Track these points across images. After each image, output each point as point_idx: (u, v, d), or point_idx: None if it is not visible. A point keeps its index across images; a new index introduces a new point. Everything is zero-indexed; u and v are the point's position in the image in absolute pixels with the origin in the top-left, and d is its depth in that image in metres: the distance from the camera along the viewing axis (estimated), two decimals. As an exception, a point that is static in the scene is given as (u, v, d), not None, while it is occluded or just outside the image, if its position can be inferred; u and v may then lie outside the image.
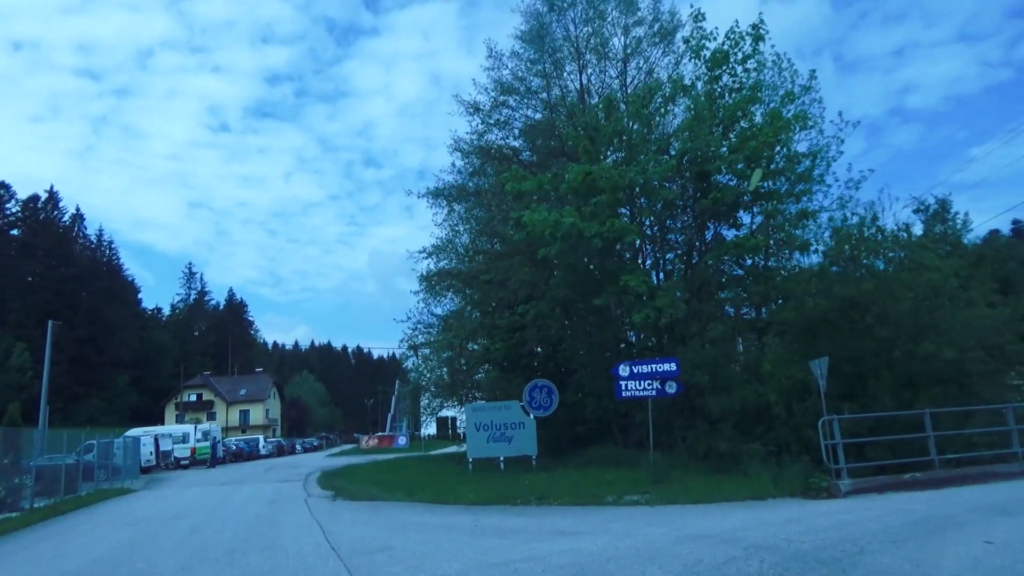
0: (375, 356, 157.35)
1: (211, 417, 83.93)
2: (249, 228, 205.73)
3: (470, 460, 20.59)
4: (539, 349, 23.23)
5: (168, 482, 29.74)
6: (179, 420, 69.43)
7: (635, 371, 16.11)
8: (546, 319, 20.22)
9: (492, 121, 29.19)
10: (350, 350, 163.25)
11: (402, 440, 54.44)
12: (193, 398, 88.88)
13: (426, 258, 35.01)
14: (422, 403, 38.05)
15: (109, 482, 26.07)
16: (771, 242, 19.08)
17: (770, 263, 19.53)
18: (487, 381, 24.65)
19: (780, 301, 19.12)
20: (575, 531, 10.08)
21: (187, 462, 41.96)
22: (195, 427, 44.10)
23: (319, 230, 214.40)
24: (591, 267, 19.33)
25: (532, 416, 20.19)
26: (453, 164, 31.48)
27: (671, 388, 16.05)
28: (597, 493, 13.90)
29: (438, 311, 35.26)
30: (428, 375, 35.14)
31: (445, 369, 34.63)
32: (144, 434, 39.49)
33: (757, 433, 15.78)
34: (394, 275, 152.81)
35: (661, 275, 20.27)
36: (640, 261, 20.56)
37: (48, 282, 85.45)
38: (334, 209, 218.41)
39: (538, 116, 28.39)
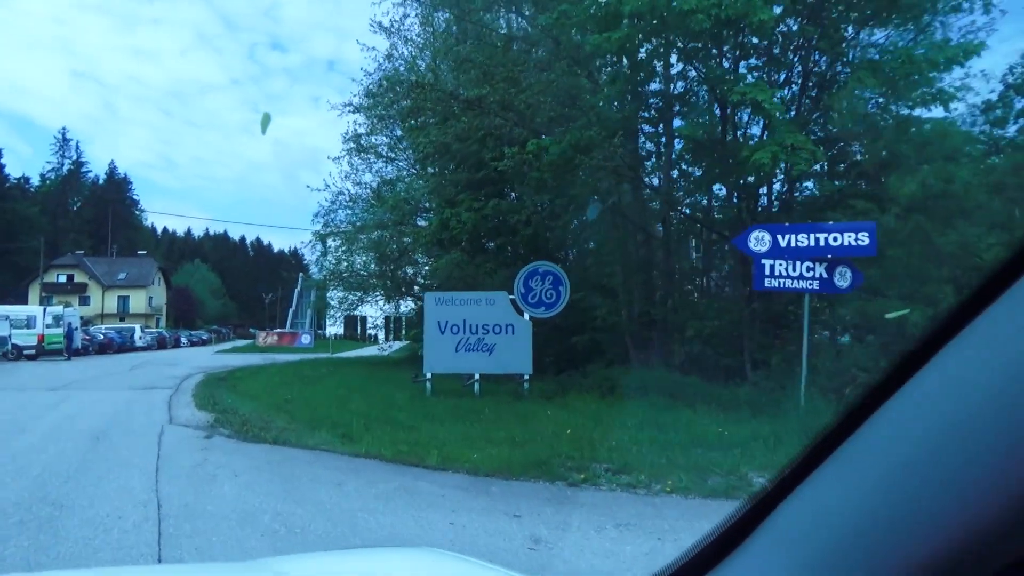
0: (275, 250, 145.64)
1: (84, 302, 72.62)
2: (142, 106, 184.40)
3: (427, 376, 13.41)
4: (525, 222, 15.92)
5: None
6: (46, 303, 58.38)
7: (784, 243, 9.22)
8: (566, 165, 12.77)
9: None
10: (248, 241, 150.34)
11: (306, 339, 46.58)
12: (63, 279, 76.97)
13: (354, 112, 26.75)
14: (334, 298, 30.21)
15: None
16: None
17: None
18: (444, 267, 17.22)
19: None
20: None
21: (32, 352, 32.79)
22: (43, 309, 34.63)
23: (219, 115, 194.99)
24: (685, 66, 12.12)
25: (527, 316, 13.14)
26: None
27: (843, 279, 9.25)
28: (731, 464, 7.08)
29: (366, 179, 27.25)
30: (345, 263, 27.34)
31: (372, 255, 26.92)
32: (-31, 315, 30.03)
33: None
34: (299, 168, 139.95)
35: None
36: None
37: None
38: (237, 94, 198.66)
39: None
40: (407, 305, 31.68)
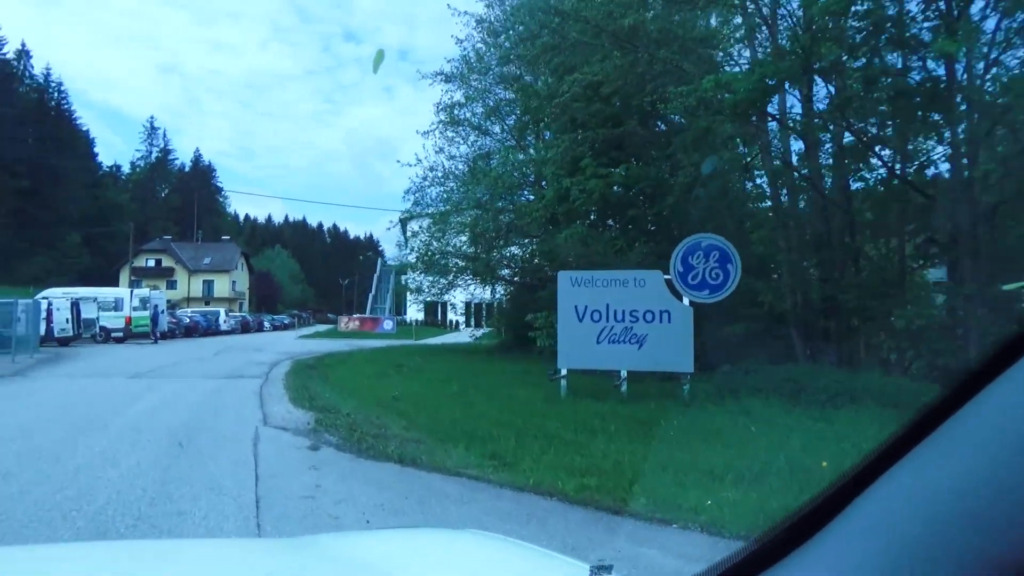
0: (351, 236, 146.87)
1: (171, 286, 73.59)
2: (221, 98, 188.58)
3: (561, 373, 11.06)
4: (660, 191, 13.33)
5: (66, 361, 20.05)
6: (135, 287, 58.95)
7: None
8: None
9: None
10: (326, 228, 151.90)
11: (388, 324, 45.09)
12: (152, 263, 78.35)
13: (445, 81, 24.65)
14: (422, 282, 28.19)
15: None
16: None
17: None
18: (564, 244, 14.79)
19: None
20: None
21: (120, 335, 32.11)
22: (131, 292, 33.96)
23: (294, 105, 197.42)
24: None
25: (687, 301, 10.64)
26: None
27: None
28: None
29: (462, 151, 25.11)
30: (436, 245, 25.29)
31: (466, 236, 24.80)
32: (58, 297, 29.39)
33: None
34: (370, 156, 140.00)
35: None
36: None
37: (-18, 122, 72.71)
38: (310, 85, 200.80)
39: None
40: (498, 291, 29.55)
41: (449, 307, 54.72)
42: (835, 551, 0.81)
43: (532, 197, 22.73)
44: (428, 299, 40.31)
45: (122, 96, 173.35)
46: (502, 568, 1.64)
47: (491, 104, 23.42)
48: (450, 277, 25.60)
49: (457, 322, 55.21)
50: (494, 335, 45.09)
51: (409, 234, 26.09)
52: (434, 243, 24.45)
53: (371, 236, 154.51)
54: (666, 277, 10.74)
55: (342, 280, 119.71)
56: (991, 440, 0.69)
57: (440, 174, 24.46)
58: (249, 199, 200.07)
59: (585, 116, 14.86)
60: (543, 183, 18.20)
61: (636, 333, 10.66)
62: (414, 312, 57.11)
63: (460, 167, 23.97)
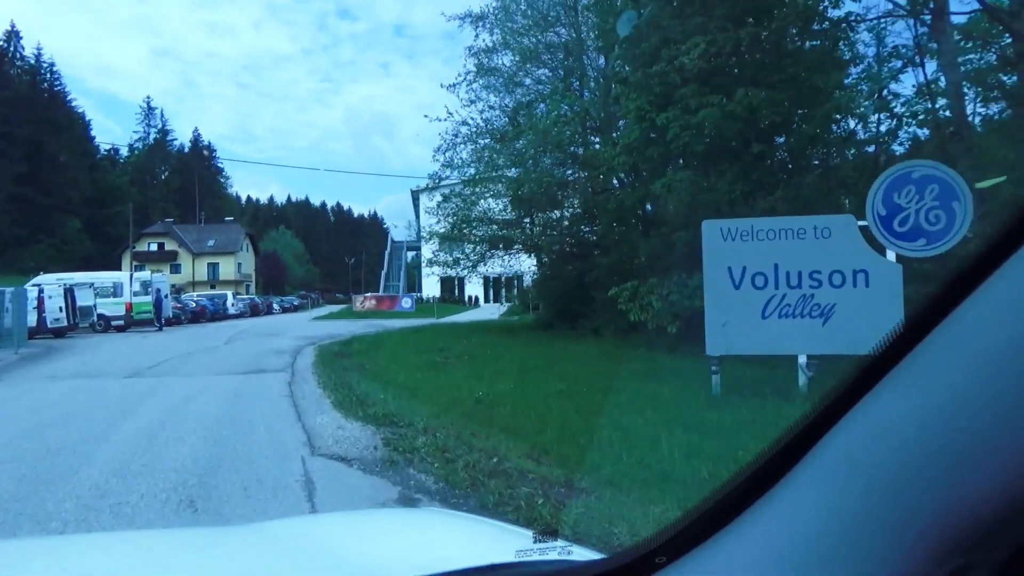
0: (356, 214, 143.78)
1: (175, 270, 70.53)
2: (219, 81, 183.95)
3: (714, 363, 7.91)
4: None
5: (56, 356, 17.00)
6: (137, 271, 55.79)
7: None
8: None
9: None
10: (329, 207, 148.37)
11: (407, 303, 41.94)
12: (154, 247, 75.23)
13: (475, 23, 21.36)
14: (445, 254, 24.93)
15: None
16: None
17: None
18: (676, 191, 11.52)
19: None
20: None
21: (121, 323, 29.07)
22: (130, 275, 30.83)
23: (292, 85, 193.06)
24: None
25: (892, 255, 7.53)
26: None
27: None
28: None
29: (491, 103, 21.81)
30: (468, 212, 22.14)
31: (502, 199, 21.62)
32: (51, 283, 26.30)
33: None
34: (370, 134, 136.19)
35: None
36: None
37: (-27, 105, 69.39)
38: (308, 64, 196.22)
39: None
40: (532, 262, 26.45)
41: (467, 283, 51.90)
42: (793, 504, 0.74)
43: (581, 150, 19.57)
44: (445, 275, 37.28)
45: (119, 82, 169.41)
46: (449, 540, 1.61)
47: (531, 46, 20.07)
48: (484, 247, 22.47)
49: (476, 297, 52.20)
50: (518, 310, 42.17)
51: (438, 199, 22.84)
52: (469, 209, 21.32)
53: (375, 213, 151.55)
54: (861, 223, 7.60)
55: (348, 259, 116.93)
56: (954, 373, 0.61)
57: (472, 129, 21.21)
58: (250, 180, 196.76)
59: (679, 32, 11.63)
60: (616, 126, 14.98)
61: (819, 303, 7.54)
62: (429, 288, 54.08)
63: (499, 119, 20.66)
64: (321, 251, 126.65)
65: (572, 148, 16.46)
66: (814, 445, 0.73)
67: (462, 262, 23.00)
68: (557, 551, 1.12)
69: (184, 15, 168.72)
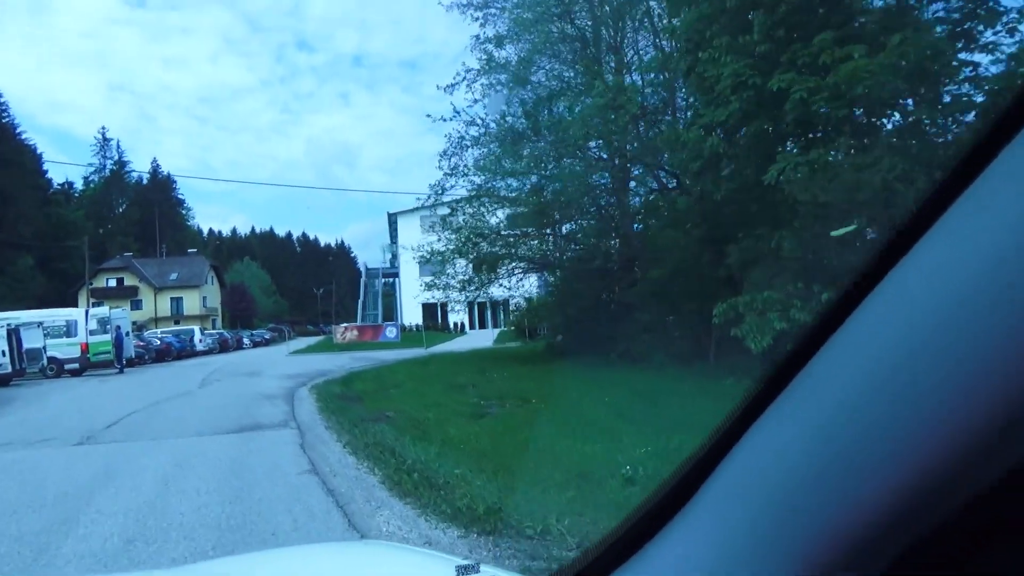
0: (323, 243, 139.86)
1: (136, 306, 65.97)
2: (175, 114, 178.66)
3: None
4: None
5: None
6: (95, 307, 51.24)
7: None
8: None
9: None
10: (295, 237, 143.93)
11: (391, 332, 38.57)
12: (113, 283, 70.61)
13: (479, 9, 18.82)
14: (448, 276, 21.96)
15: None
16: None
17: None
18: (804, 174, 8.73)
19: None
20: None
21: (75, 365, 25.36)
22: (85, 312, 27.08)
23: (251, 117, 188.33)
24: None
25: None
26: None
27: None
28: None
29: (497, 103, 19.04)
30: (477, 223, 19.33)
31: (522, 207, 18.84)
32: (-8, 323, 22.59)
33: None
34: (332, 164, 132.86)
35: None
36: None
37: (-89, 137, 64.60)
38: (266, 96, 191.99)
39: None
40: (537, 280, 23.70)
41: (450, 309, 48.72)
42: (688, 539, 0.75)
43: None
44: (429, 301, 34.43)
45: (72, 117, 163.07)
46: (384, 572, 1.63)
47: (549, 34, 17.38)
48: (497, 266, 19.59)
49: (462, 324, 49.10)
50: (511, 336, 39.21)
51: (446, 213, 19.89)
52: (481, 220, 18.47)
53: (343, 242, 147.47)
54: None
55: (316, 289, 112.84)
56: (842, 387, 0.63)
57: (481, 131, 18.38)
58: (212, 213, 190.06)
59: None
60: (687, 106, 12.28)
61: None
62: (409, 316, 50.84)
63: (512, 118, 17.86)
64: (288, 282, 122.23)
65: (617, 141, 13.75)
66: (716, 467, 0.73)
67: (473, 283, 20.03)
68: None
69: (138, 49, 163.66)
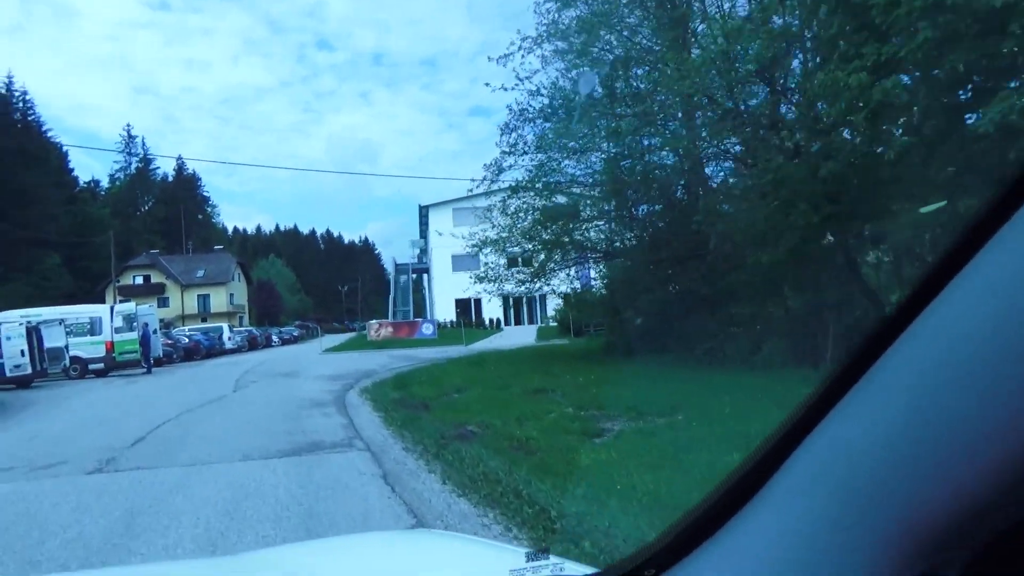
0: (346, 240, 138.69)
1: (163, 303, 64.57)
2: (198, 115, 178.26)
3: None
4: None
5: (5, 419, 11.68)
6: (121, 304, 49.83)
7: None
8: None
9: None
10: (319, 234, 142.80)
11: (428, 329, 36.51)
12: (140, 280, 69.40)
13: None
14: (500, 270, 19.82)
15: None
16: None
17: None
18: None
19: None
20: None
21: (101, 366, 23.58)
22: (110, 309, 25.28)
23: (272, 117, 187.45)
24: None
25: None
26: None
27: None
28: None
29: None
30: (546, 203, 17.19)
31: (596, 189, 16.66)
32: (10, 322, 20.81)
33: None
34: (353, 162, 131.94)
35: None
36: None
37: (-63, 134, 63.75)
38: (287, 96, 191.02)
39: None
40: (593, 269, 21.45)
41: (483, 304, 46.60)
42: (751, 535, 0.75)
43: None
44: (462, 296, 32.03)
45: (98, 120, 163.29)
46: (444, 562, 1.60)
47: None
48: (567, 253, 17.43)
49: (498, 320, 47.00)
50: (553, 332, 37.03)
51: (506, 195, 17.68)
52: (550, 200, 16.33)
53: (366, 239, 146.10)
54: None
55: (341, 287, 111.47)
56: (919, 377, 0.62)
57: (546, 101, 16.17)
58: (236, 212, 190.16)
59: None
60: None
61: None
62: (441, 312, 48.85)
63: (588, 86, 15.60)
64: (312, 279, 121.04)
65: (730, 101, 11.54)
66: (790, 455, 0.73)
67: (542, 270, 17.86)
68: (550, 568, 1.13)
69: (160, 52, 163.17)
